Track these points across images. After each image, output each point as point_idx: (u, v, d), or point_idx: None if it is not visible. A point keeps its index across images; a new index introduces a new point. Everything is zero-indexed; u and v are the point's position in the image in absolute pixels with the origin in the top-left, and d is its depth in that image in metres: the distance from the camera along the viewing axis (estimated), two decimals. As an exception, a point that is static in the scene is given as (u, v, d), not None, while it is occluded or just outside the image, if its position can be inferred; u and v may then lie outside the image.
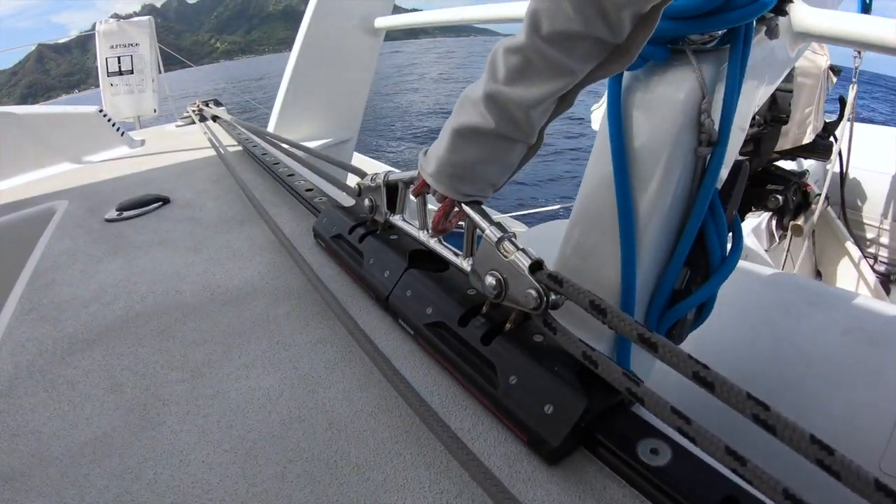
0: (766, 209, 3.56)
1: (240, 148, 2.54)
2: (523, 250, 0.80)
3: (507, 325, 0.85)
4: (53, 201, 2.00)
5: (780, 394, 1.28)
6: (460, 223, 0.98)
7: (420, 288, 1.01)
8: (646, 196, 0.90)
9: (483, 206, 0.91)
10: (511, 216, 5.76)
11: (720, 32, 0.89)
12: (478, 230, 0.88)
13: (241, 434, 0.81)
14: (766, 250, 3.43)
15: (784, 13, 1.00)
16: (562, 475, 0.71)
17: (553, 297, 0.77)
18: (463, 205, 0.91)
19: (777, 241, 3.62)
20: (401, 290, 1.04)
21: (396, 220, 1.18)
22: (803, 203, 3.68)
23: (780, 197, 3.50)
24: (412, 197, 1.07)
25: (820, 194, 3.62)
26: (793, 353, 1.32)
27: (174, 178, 2.19)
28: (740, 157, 1.03)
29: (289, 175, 1.91)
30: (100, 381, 0.96)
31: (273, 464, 0.75)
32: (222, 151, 2.41)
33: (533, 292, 0.77)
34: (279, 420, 0.83)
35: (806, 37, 1.20)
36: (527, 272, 0.78)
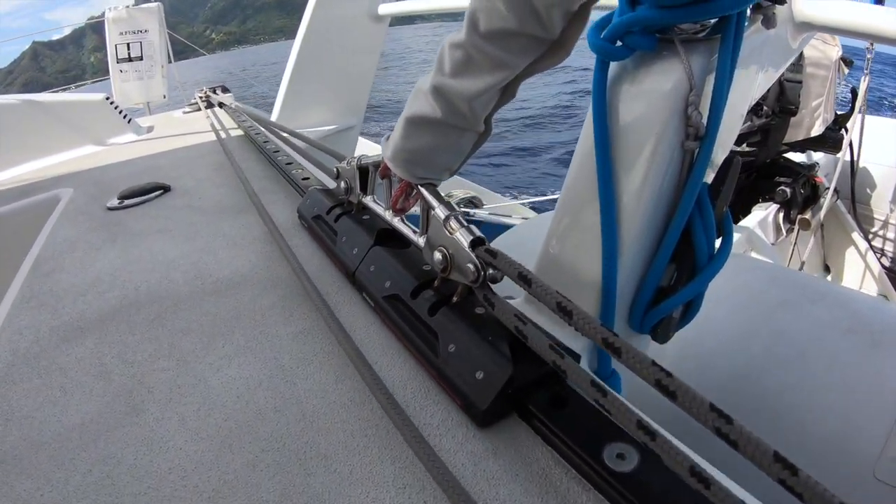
0: (774, 202, 3.54)
1: (243, 135, 2.56)
2: (467, 228, 0.87)
3: (454, 298, 0.91)
4: (59, 188, 2.04)
5: (777, 393, 1.25)
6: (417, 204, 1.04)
7: (382, 263, 1.07)
8: (630, 190, 0.87)
9: (436, 188, 0.99)
10: (522, 203, 5.74)
11: (712, 21, 0.85)
12: (430, 209, 0.94)
13: (217, 423, 0.83)
14: (772, 244, 3.40)
15: (782, 1, 0.97)
16: (494, 438, 0.75)
17: (491, 271, 0.82)
18: (419, 186, 0.99)
19: (784, 234, 3.59)
20: (365, 265, 1.11)
21: (368, 200, 1.25)
22: (812, 196, 3.65)
23: (788, 189, 3.47)
24: (380, 179, 1.17)
25: (829, 188, 3.58)
26: (791, 352, 1.29)
27: (177, 166, 2.22)
28: (744, 150, 1.02)
29: (287, 163, 1.93)
30: (90, 369, 0.98)
31: (246, 453, 0.77)
32: (225, 140, 2.43)
33: (471, 266, 0.83)
34: (255, 410, 0.85)
35: (808, 27, 1.17)
36: (467, 247, 0.84)
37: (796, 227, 3.60)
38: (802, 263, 3.59)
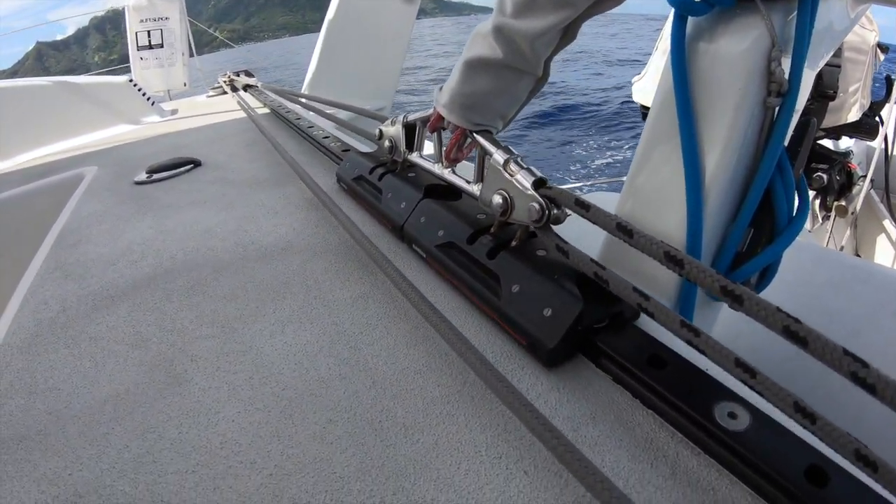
0: (811, 188, 3.47)
1: (271, 114, 2.50)
2: (528, 169, 0.86)
3: (513, 242, 0.90)
4: (83, 167, 1.98)
5: (833, 375, 1.19)
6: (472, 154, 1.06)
7: (433, 214, 1.06)
8: (713, 150, 0.84)
9: (493, 136, 0.97)
10: None
11: None
12: (487, 157, 0.94)
13: (275, 392, 0.75)
14: (808, 231, 3.34)
15: None
16: (561, 379, 0.73)
17: (555, 211, 0.81)
18: (474, 133, 0.98)
19: (820, 221, 3.53)
20: (415, 218, 1.10)
21: (414, 157, 1.24)
22: (847, 184, 3.58)
23: (824, 176, 3.41)
24: (429, 133, 1.16)
25: (864, 175, 3.52)
26: (845, 332, 1.25)
27: (205, 144, 2.16)
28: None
29: (324, 137, 1.86)
30: (124, 337, 0.91)
31: (311, 424, 0.69)
32: (255, 117, 2.36)
33: (536, 205, 0.82)
34: (317, 378, 0.77)
35: None
36: (531, 188, 0.83)
37: (832, 214, 3.53)
38: (841, 249, 3.52)
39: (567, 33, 0.88)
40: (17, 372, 0.85)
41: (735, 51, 0.80)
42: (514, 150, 0.90)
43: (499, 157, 0.90)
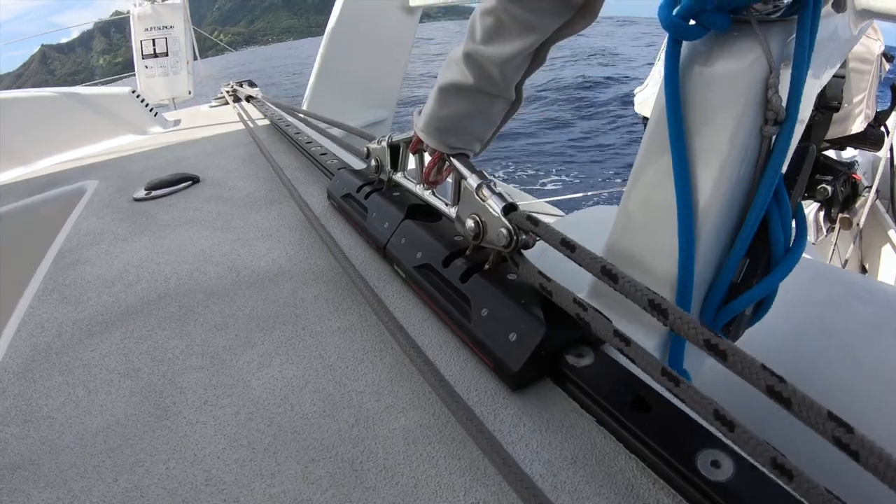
0: (815, 200, 3.45)
1: (272, 127, 2.50)
2: (499, 195, 0.87)
3: (486, 266, 0.91)
4: (84, 180, 1.99)
5: (830, 395, 1.19)
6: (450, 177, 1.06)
7: (413, 236, 1.08)
8: (706, 179, 0.83)
9: (469, 159, 1.00)
10: (547, 201, 5.66)
11: (785, 1, 0.81)
12: (462, 180, 0.95)
13: (260, 428, 0.75)
14: (812, 243, 3.32)
15: None
16: (544, 421, 0.72)
17: (524, 237, 0.83)
18: (451, 157, 1.00)
19: (825, 233, 3.50)
20: (397, 238, 1.12)
21: (398, 177, 1.26)
22: (852, 195, 3.55)
23: (828, 188, 3.38)
24: (411, 154, 1.18)
25: (869, 186, 3.49)
26: (842, 352, 1.24)
27: (205, 158, 2.16)
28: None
29: (321, 154, 1.87)
30: (116, 366, 0.91)
31: (294, 462, 0.69)
32: (254, 131, 2.37)
33: (504, 231, 0.84)
34: (302, 414, 0.77)
35: (868, 14, 1.12)
36: (500, 213, 0.85)
37: (837, 226, 3.50)
38: (845, 262, 3.49)
39: (536, 57, 0.91)
40: (13, 398, 0.86)
41: (730, 75, 0.79)
42: (487, 175, 0.92)
43: (472, 181, 0.91)
